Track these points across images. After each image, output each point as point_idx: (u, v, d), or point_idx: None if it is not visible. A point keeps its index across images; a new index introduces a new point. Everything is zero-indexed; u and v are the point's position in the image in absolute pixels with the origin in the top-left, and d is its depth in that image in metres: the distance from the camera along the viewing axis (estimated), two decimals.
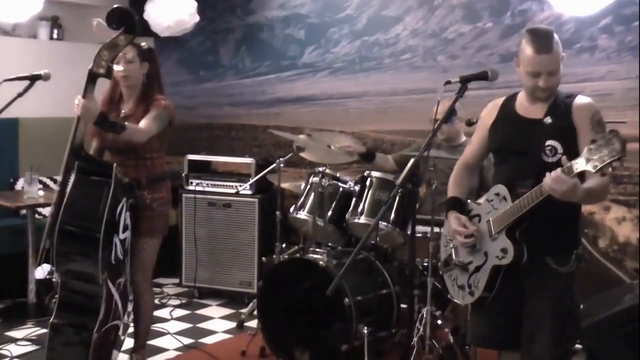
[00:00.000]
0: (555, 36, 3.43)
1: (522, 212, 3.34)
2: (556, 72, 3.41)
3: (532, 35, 3.42)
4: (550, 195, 3.15)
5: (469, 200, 3.75)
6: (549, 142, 3.36)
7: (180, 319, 6.34)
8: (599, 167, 2.94)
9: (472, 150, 3.84)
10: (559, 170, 3.09)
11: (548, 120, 3.44)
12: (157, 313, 6.14)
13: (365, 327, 4.80)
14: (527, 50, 3.40)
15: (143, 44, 4.62)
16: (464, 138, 5.81)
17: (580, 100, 3.45)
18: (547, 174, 3.14)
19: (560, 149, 3.36)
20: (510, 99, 3.65)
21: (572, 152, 3.20)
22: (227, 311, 6.57)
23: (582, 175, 3.11)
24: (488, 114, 3.71)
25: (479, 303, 3.63)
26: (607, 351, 4.61)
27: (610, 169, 2.94)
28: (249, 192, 6.61)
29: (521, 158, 3.44)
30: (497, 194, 3.51)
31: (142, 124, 4.36)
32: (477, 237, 3.58)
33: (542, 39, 3.40)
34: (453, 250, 3.76)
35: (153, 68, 4.63)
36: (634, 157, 5.47)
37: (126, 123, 4.26)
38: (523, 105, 3.57)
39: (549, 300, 3.44)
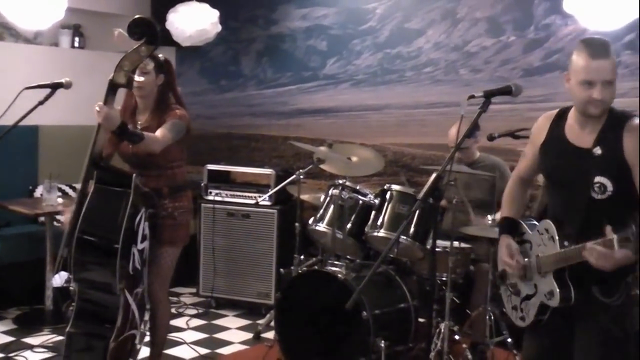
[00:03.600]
0: (612, 47, 3.24)
1: (568, 264, 3.21)
2: (612, 83, 3.19)
3: (586, 42, 3.24)
4: None
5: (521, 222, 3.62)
6: (597, 179, 3.18)
7: (196, 328, 6.32)
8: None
9: (525, 165, 3.67)
10: (600, 246, 2.96)
11: (597, 151, 3.22)
12: (173, 322, 6.13)
13: (383, 341, 4.76)
14: (581, 57, 3.19)
15: (160, 55, 4.61)
16: (478, 154, 5.79)
17: (633, 126, 3.20)
18: (590, 249, 3.01)
19: (610, 186, 3.18)
20: (561, 117, 3.43)
21: (624, 188, 3.13)
22: (244, 322, 6.55)
23: None
24: (539, 130, 3.52)
25: (531, 327, 3.53)
26: None
27: None
28: (268, 203, 6.60)
29: (569, 191, 3.28)
30: (547, 230, 3.36)
31: (158, 133, 4.36)
32: (526, 267, 3.47)
33: (597, 45, 3.21)
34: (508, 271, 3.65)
35: (168, 79, 4.63)
36: None
37: (143, 132, 4.26)
38: (573, 129, 3.35)
39: (596, 333, 3.28)
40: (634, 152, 3.15)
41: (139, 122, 4.57)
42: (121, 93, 4.41)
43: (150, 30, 4.07)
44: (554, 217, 3.38)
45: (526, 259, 3.49)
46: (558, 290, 3.27)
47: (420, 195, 3.55)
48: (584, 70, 3.18)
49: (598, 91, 3.16)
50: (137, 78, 4.27)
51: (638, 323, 3.36)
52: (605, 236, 2.97)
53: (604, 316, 3.28)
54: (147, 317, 4.71)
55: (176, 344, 5.83)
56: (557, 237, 3.29)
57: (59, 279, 4.82)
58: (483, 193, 5.69)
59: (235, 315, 6.73)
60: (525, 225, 3.59)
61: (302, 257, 5.86)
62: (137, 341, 4.60)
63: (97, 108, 4.05)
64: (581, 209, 3.22)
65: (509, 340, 5.24)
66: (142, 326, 4.62)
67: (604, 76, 3.16)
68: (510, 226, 3.62)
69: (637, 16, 5.47)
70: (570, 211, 3.30)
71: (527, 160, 3.67)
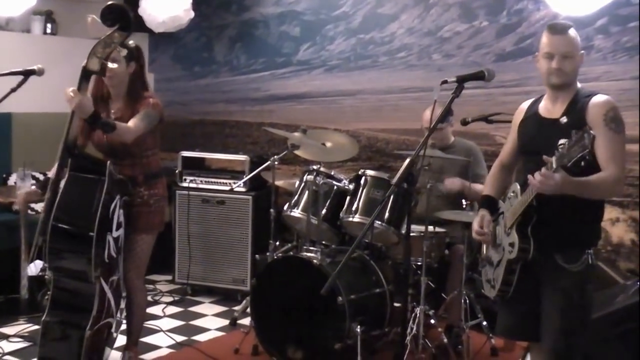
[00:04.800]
0: (574, 30, 3.54)
1: (522, 208, 3.39)
2: (570, 55, 3.47)
3: (549, 25, 3.57)
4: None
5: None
6: (561, 141, 3.30)
7: (173, 316, 6.32)
8: (570, 163, 3.03)
9: (506, 150, 3.88)
10: (543, 168, 3.16)
11: (564, 119, 3.47)
12: (150, 310, 6.13)
13: (359, 326, 4.78)
14: (544, 35, 3.53)
15: (131, 42, 4.53)
16: (452, 138, 5.81)
17: (597, 98, 3.46)
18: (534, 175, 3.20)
19: None
20: (537, 100, 3.70)
21: None
22: (220, 308, 6.56)
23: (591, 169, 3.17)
24: (517, 116, 3.77)
25: (501, 297, 3.67)
26: (600, 352, 4.61)
27: (582, 163, 3.02)
28: (243, 190, 6.59)
29: (539, 158, 3.40)
30: (513, 192, 3.58)
31: (131, 123, 4.34)
32: (497, 234, 3.67)
33: (558, 25, 3.54)
34: (484, 246, 3.85)
35: (139, 66, 4.60)
36: (633, 158, 5.49)
37: (116, 122, 4.24)
38: (546, 106, 3.61)
39: (557, 297, 3.47)
40: (595, 117, 3.39)
41: (112, 111, 4.55)
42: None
43: (123, 16, 4.04)
44: (522, 181, 3.54)
45: (497, 227, 3.68)
46: (518, 240, 3.44)
47: (395, 180, 3.60)
48: (546, 45, 3.51)
49: (556, 61, 3.46)
50: (111, 65, 4.25)
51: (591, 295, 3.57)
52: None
53: (564, 281, 3.47)
54: (123, 305, 4.71)
55: (153, 331, 5.82)
56: (520, 193, 3.49)
57: (34, 267, 4.80)
58: (457, 177, 5.70)
59: (211, 302, 6.73)
60: (501, 202, 3.76)
61: (277, 243, 5.85)
62: (113, 329, 4.61)
63: (71, 94, 4.02)
64: None
65: (484, 323, 5.29)
66: (118, 314, 4.62)
67: (561, 49, 3.47)
68: (488, 202, 3.81)
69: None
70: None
71: (508, 146, 3.88)
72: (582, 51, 3.55)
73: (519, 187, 3.53)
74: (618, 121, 3.41)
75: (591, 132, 2.96)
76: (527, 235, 3.44)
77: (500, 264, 3.61)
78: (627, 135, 3.51)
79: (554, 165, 3.10)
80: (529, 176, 3.24)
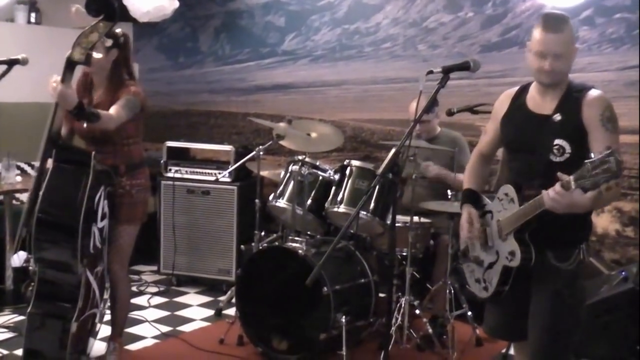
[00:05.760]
0: (570, 22, 3.39)
1: (527, 219, 3.29)
2: (563, 56, 3.32)
3: (544, 16, 3.40)
4: None
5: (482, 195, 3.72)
6: (557, 142, 3.28)
7: (158, 306, 6.32)
8: (594, 188, 2.93)
9: (486, 141, 3.78)
10: (558, 185, 3.05)
11: (557, 117, 3.35)
12: (135, 300, 6.12)
13: (344, 316, 4.79)
14: (537, 29, 3.35)
15: (118, 30, 4.52)
16: (439, 129, 5.82)
17: (591, 95, 3.34)
18: (544, 192, 3.11)
19: (568, 149, 3.29)
20: (523, 90, 3.57)
21: (582, 151, 3.19)
22: (205, 299, 6.56)
23: None
24: (500, 105, 3.64)
25: (494, 297, 3.60)
26: (585, 342, 4.63)
27: (606, 188, 2.95)
28: (228, 180, 6.58)
29: (529, 156, 3.38)
30: (506, 194, 3.46)
31: (112, 110, 4.31)
32: (487, 235, 3.58)
33: (552, 20, 3.36)
34: (469, 243, 3.74)
35: (123, 54, 4.56)
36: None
37: (99, 111, 4.21)
38: (534, 99, 3.49)
39: (547, 296, 3.40)
40: (591, 117, 3.29)
41: (95, 98, 4.52)
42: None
43: (108, 6, 4.02)
44: (513, 182, 3.46)
45: (487, 228, 3.58)
46: (519, 249, 3.35)
47: (380, 170, 3.59)
48: (538, 43, 3.34)
49: (549, 63, 3.31)
50: (96, 55, 4.22)
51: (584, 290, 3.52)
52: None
53: (556, 280, 3.40)
54: (106, 295, 4.70)
55: (138, 322, 5.82)
56: (517, 198, 3.38)
57: (17, 259, 4.79)
58: (443, 167, 5.71)
59: (196, 293, 6.73)
60: (486, 198, 3.67)
61: (262, 233, 5.85)
62: (97, 320, 4.60)
63: (54, 84, 4.00)
64: (541, 171, 3.31)
65: (469, 313, 5.30)
66: (102, 305, 4.62)
67: (554, 49, 3.31)
68: (471, 196, 3.72)
69: None
70: (530, 174, 3.38)
71: (488, 136, 3.77)
72: (576, 45, 3.45)
73: (513, 190, 3.41)
74: (614, 120, 3.31)
75: (619, 157, 2.85)
76: (527, 242, 3.35)
77: (493, 268, 3.54)
78: (623, 126, 3.46)
79: (573, 186, 2.99)
80: (543, 192, 3.12)
